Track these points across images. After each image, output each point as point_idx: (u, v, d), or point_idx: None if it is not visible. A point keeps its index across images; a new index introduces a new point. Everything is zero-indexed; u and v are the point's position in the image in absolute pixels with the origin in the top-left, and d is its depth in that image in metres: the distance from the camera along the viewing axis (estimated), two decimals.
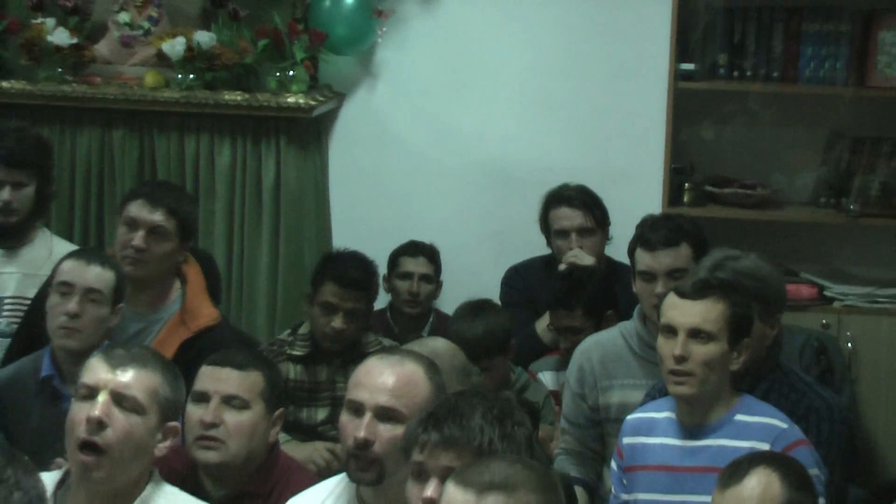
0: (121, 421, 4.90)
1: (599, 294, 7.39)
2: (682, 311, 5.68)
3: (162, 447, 5.04)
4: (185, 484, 5.32)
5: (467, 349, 6.66)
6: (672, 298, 5.78)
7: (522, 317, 7.76)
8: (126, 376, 5.01)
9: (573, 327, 7.21)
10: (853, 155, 8.62)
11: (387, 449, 5.03)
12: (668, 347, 5.65)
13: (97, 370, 5.04)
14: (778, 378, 6.15)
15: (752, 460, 4.83)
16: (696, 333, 5.61)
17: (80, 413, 4.92)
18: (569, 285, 7.51)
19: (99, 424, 4.86)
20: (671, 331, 5.66)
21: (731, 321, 5.66)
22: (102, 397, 4.93)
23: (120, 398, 4.95)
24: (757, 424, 5.64)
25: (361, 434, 5.04)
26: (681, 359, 5.60)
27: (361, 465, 5.09)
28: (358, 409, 5.11)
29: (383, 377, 5.16)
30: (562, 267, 7.86)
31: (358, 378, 5.21)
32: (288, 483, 5.66)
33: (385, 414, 5.08)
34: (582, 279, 7.54)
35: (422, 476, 4.47)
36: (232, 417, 5.58)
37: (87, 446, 4.84)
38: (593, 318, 7.25)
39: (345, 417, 5.18)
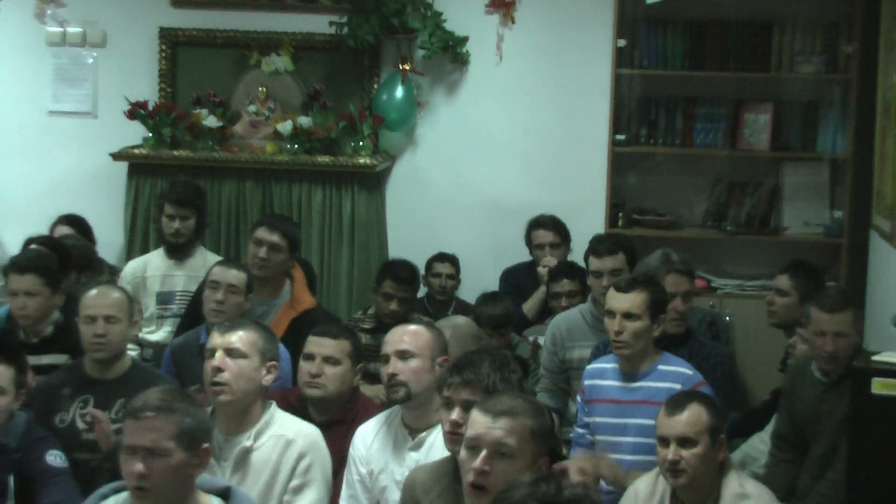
0: (232, 365, 5.11)
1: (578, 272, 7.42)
2: (619, 300, 5.79)
3: (268, 378, 5.23)
4: (298, 413, 5.48)
5: (490, 323, 7.04)
6: (612, 291, 5.91)
7: (513, 301, 7.71)
8: (232, 337, 5.22)
9: (571, 291, 7.35)
10: (728, 194, 8.84)
11: (408, 376, 5.23)
12: (610, 325, 5.78)
13: (214, 337, 5.28)
14: (687, 340, 6.36)
15: (689, 396, 5.07)
16: (627, 315, 5.72)
17: (208, 366, 5.17)
18: (560, 268, 7.69)
19: (218, 370, 5.10)
20: (612, 314, 5.78)
21: (651, 305, 5.77)
22: (219, 353, 5.17)
23: (230, 351, 5.19)
24: (672, 372, 5.76)
25: (389, 370, 5.25)
26: (618, 333, 5.73)
27: (393, 389, 5.28)
28: (386, 358, 5.30)
29: (398, 334, 5.38)
30: (540, 269, 7.98)
31: (385, 339, 5.47)
32: (364, 412, 5.74)
33: (402, 354, 5.26)
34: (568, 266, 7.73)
35: (448, 405, 4.59)
36: (329, 370, 5.69)
37: (214, 384, 5.10)
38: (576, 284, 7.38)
39: (382, 367, 5.40)
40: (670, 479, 5.03)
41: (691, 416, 4.96)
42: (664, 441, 5.00)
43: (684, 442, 4.93)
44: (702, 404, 5.02)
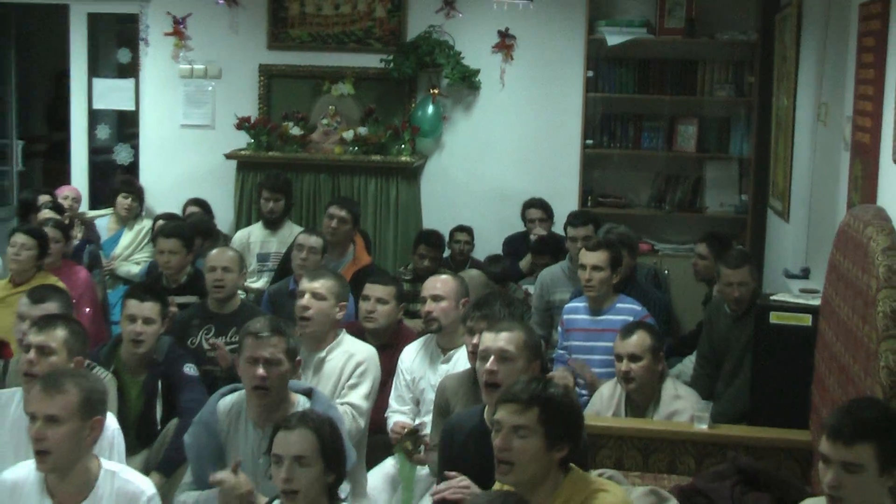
0: (314, 304, 5.12)
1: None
2: (588, 257, 5.83)
3: (339, 314, 5.23)
4: (359, 338, 5.43)
5: (494, 277, 7.01)
6: (583, 251, 5.95)
7: (512, 261, 7.75)
8: (315, 284, 5.20)
9: (547, 263, 7.17)
10: (666, 183, 8.80)
11: (440, 313, 5.32)
12: (582, 275, 5.84)
13: (302, 283, 5.27)
14: (636, 287, 6.42)
15: (636, 325, 5.17)
16: (595, 268, 5.77)
17: (298, 304, 5.16)
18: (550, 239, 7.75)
19: (304, 308, 5.11)
20: (583, 267, 5.83)
21: (611, 261, 5.82)
22: (306, 295, 5.13)
23: (313, 294, 5.15)
24: (627, 308, 5.82)
25: (426, 309, 5.30)
26: (588, 280, 5.79)
27: (429, 323, 5.35)
28: (424, 300, 5.37)
29: (432, 283, 5.44)
30: (533, 238, 7.97)
31: (423, 286, 5.53)
32: (406, 338, 5.76)
33: (435, 297, 5.33)
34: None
35: (470, 332, 4.64)
36: (380, 308, 5.68)
37: (302, 318, 5.10)
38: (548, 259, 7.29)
39: (421, 306, 5.48)
40: (624, 386, 5.08)
41: (638, 339, 5.01)
42: (619, 357, 5.04)
43: (633, 358, 4.98)
44: (646, 330, 5.08)
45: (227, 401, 4.36)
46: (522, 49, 8.86)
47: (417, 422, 5.27)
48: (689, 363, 6.52)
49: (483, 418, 4.03)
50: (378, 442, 5.37)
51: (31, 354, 4.32)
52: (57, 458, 3.61)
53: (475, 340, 4.46)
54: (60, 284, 5.99)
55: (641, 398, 5.07)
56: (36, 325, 4.48)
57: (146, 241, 8.17)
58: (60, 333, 4.40)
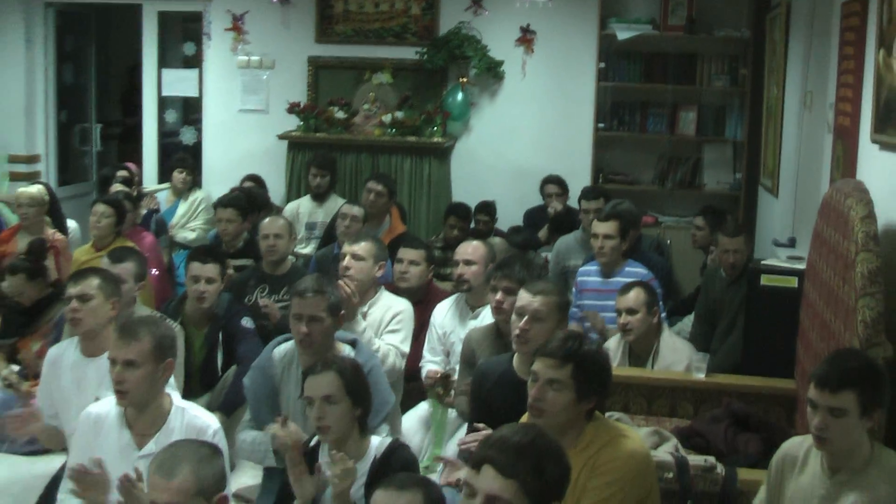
0: (356, 265, 5.20)
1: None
2: (600, 227, 5.85)
3: (379, 273, 5.29)
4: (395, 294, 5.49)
5: (514, 246, 6.93)
6: (595, 222, 5.98)
7: (531, 231, 7.70)
8: (356, 247, 5.28)
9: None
10: (668, 163, 8.75)
11: (469, 275, 5.33)
12: (595, 242, 5.86)
13: (346, 247, 5.36)
14: (640, 255, 6.31)
15: (632, 283, 5.13)
16: (607, 236, 5.79)
17: (341, 265, 5.24)
18: (565, 211, 7.76)
19: (347, 269, 5.19)
20: (596, 236, 5.85)
21: (621, 229, 5.83)
22: (347, 257, 5.22)
23: (354, 256, 5.24)
24: (634, 272, 5.80)
25: (458, 272, 5.33)
26: (601, 248, 5.81)
27: (460, 284, 5.36)
28: (456, 263, 5.38)
29: (464, 248, 5.44)
30: (550, 210, 7.93)
31: (456, 251, 5.52)
32: (436, 296, 5.79)
33: (467, 262, 5.33)
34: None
35: (494, 290, 4.64)
36: (413, 269, 5.69)
37: (345, 277, 5.11)
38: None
39: (453, 269, 5.49)
40: (623, 337, 5.09)
41: (634, 295, 5.01)
42: (619, 312, 5.04)
43: (630, 311, 4.99)
44: (641, 288, 5.07)
45: (281, 349, 4.39)
46: (542, 43, 8.81)
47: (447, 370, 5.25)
48: (688, 322, 6.52)
49: (511, 366, 4.04)
50: (412, 389, 5.40)
51: (73, 304, 4.34)
52: (135, 396, 3.65)
53: (498, 297, 4.53)
54: (136, 248, 6.03)
55: (641, 349, 5.06)
56: (71, 279, 4.50)
57: (199, 210, 8.23)
58: (94, 281, 4.39)
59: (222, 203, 6.74)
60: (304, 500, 3.57)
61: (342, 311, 4.37)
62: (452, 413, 4.97)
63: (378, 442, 3.70)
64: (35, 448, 5.04)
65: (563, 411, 3.22)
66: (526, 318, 4.01)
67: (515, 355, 4.07)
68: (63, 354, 4.41)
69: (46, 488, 4.38)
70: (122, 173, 8.05)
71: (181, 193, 8.41)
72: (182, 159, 8.67)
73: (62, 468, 4.02)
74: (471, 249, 5.45)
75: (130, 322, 3.81)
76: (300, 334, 4.19)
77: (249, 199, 7.17)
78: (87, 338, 4.33)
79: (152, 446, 3.64)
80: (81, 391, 4.22)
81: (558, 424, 3.22)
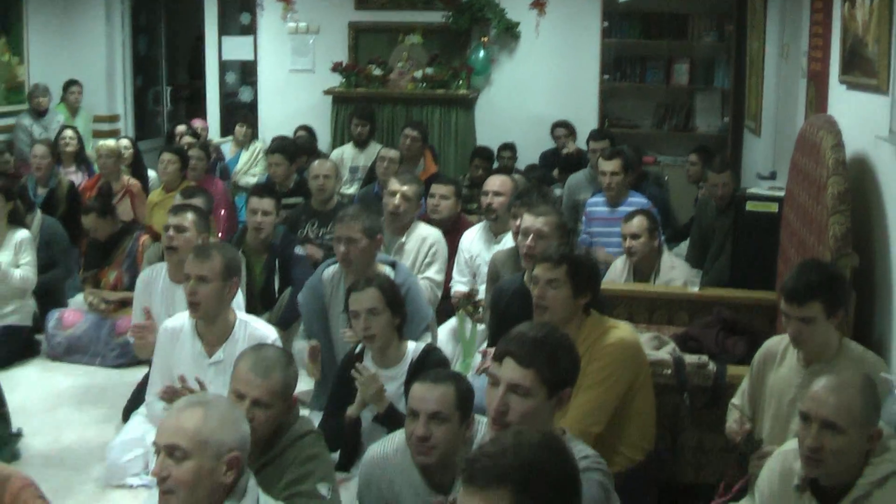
0: (402, 202, 5.10)
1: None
2: (606, 165, 5.79)
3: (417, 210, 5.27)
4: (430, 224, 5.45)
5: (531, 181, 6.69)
6: (601, 160, 5.88)
7: (546, 170, 7.67)
8: (401, 186, 5.19)
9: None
10: (665, 111, 8.71)
11: (497, 206, 5.22)
12: (603, 179, 5.80)
13: (391, 184, 5.24)
14: (645, 185, 6.39)
15: (635, 212, 5.05)
16: (613, 173, 5.73)
17: (389, 202, 5.15)
18: (576, 152, 7.66)
19: (398, 207, 5.10)
20: (603, 172, 5.79)
21: (624, 165, 5.76)
22: (397, 196, 5.16)
23: (400, 194, 5.14)
24: (636, 202, 5.75)
25: (488, 201, 5.20)
26: (609, 183, 5.75)
27: (488, 214, 5.26)
28: (486, 194, 5.28)
29: (492, 181, 5.38)
30: (564, 150, 7.89)
31: (485, 185, 5.39)
32: (464, 226, 5.62)
33: (497, 192, 5.23)
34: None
35: (514, 217, 4.58)
36: (444, 202, 5.61)
37: (393, 210, 5.12)
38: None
39: (482, 198, 5.34)
40: (629, 258, 5.04)
41: (637, 222, 4.96)
42: (624, 237, 5.01)
43: (634, 236, 4.94)
44: (643, 215, 5.03)
45: (329, 270, 4.40)
46: (553, 6, 8.69)
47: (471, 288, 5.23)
48: (683, 247, 6.44)
49: (523, 282, 4.02)
50: (443, 307, 5.38)
51: (171, 232, 4.39)
52: (205, 308, 3.65)
53: (518, 222, 4.45)
54: (202, 188, 6.05)
55: (644, 268, 5.02)
56: (171, 211, 4.54)
57: (259, 158, 8.16)
58: (190, 216, 4.44)
59: (271, 149, 6.78)
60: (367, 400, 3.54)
61: (379, 235, 4.35)
62: (481, 327, 4.93)
63: (414, 347, 3.70)
64: (121, 361, 5.37)
65: (563, 306, 3.26)
66: (531, 236, 4.00)
67: (525, 272, 4.04)
68: (155, 278, 4.47)
69: (133, 393, 4.55)
70: (181, 128, 8.15)
71: (242, 144, 8.36)
72: (242, 115, 8.66)
73: (146, 377, 4.11)
74: (499, 182, 5.38)
75: (205, 245, 3.86)
76: (339, 254, 4.19)
77: (298, 146, 7.13)
78: (177, 265, 4.32)
79: (220, 354, 3.68)
80: (169, 311, 4.25)
81: (560, 319, 3.24)
